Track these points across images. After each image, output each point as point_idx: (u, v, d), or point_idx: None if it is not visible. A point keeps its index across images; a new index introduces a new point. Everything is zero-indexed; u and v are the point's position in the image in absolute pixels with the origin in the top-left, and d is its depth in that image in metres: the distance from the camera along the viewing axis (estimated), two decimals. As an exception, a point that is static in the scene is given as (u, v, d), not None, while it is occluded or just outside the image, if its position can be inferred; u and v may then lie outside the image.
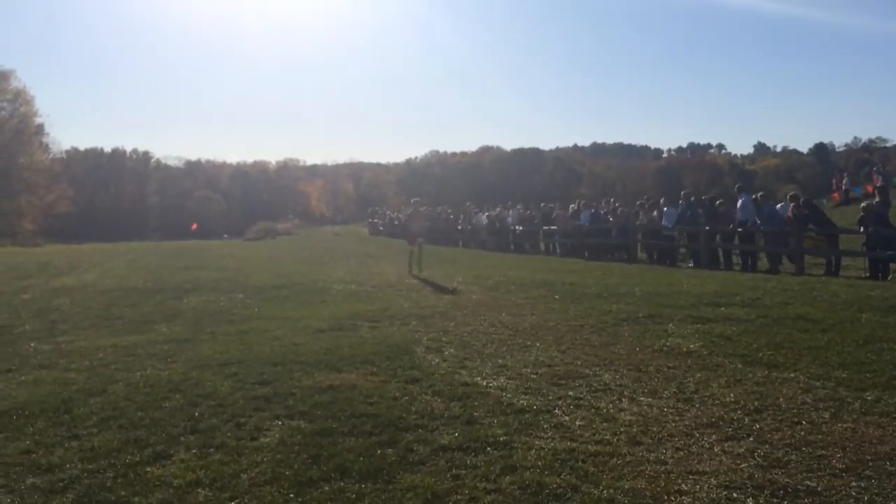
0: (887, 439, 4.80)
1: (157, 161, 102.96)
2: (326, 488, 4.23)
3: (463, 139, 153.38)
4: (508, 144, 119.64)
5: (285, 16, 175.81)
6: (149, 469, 4.60)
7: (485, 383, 6.51)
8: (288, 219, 69.13)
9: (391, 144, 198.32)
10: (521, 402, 5.89)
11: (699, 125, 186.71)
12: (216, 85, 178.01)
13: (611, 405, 5.79)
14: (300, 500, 4.10)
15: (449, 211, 35.40)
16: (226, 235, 60.51)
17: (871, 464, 4.38)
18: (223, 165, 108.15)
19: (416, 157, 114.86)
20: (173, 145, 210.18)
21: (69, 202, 60.40)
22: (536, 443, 4.89)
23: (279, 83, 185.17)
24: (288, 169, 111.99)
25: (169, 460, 4.75)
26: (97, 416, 5.75)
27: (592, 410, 5.66)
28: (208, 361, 7.58)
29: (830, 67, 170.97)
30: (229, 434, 5.23)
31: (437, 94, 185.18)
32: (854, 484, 4.10)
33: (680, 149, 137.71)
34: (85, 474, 4.54)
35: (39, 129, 57.52)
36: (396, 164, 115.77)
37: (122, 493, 4.25)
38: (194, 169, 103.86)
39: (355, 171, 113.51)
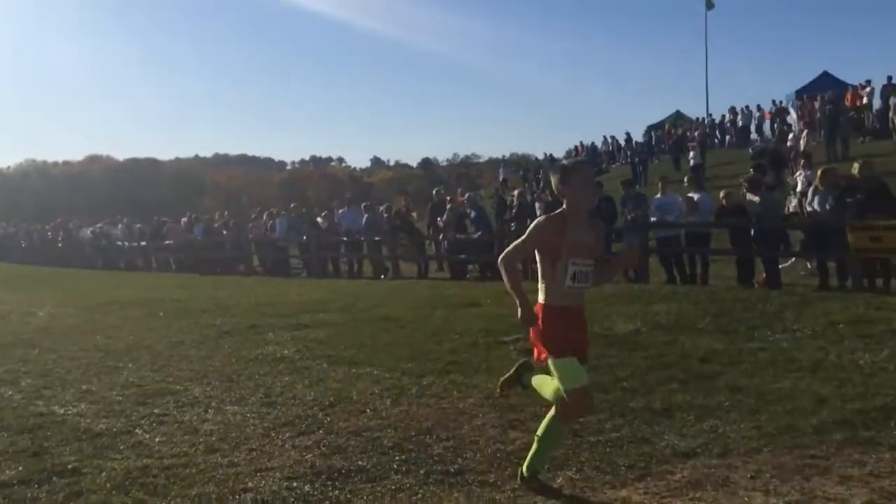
0: (431, 416, 5.66)
1: None
2: None
3: (67, 147, 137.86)
4: (121, 154, 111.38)
5: None
6: None
7: (62, 411, 6.16)
8: None
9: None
10: (100, 426, 5.70)
11: (321, 138, 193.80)
12: None
13: (195, 417, 5.89)
14: None
15: (47, 228, 31.86)
16: None
17: (414, 439, 5.14)
18: None
19: (8, 167, 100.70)
20: None
21: None
22: (109, 465, 4.80)
23: None
24: None
25: None
26: None
27: (175, 425, 5.71)
28: None
29: (435, 88, 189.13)
30: None
31: (32, 96, 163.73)
32: (398, 458, 4.78)
33: (303, 161, 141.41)
34: None
35: None
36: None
37: None
38: None
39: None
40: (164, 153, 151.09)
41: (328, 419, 5.68)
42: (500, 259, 4.17)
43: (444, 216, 16.61)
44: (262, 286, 16.34)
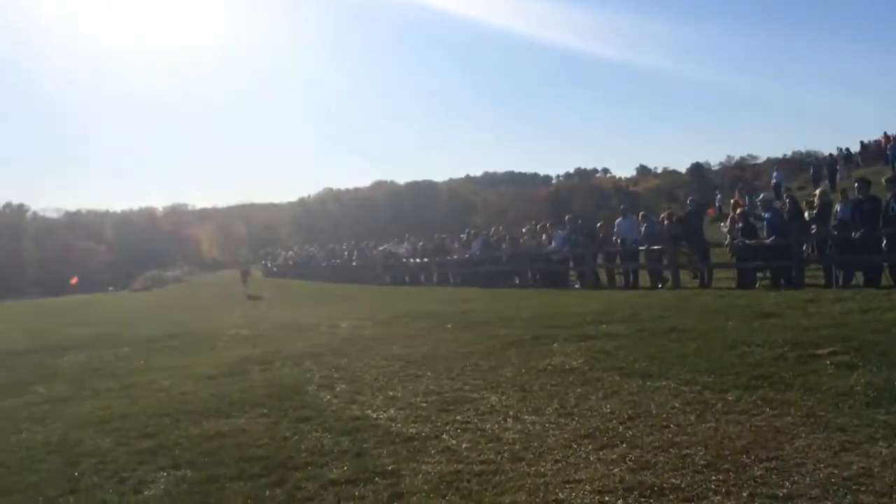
0: (745, 434, 5.20)
1: (34, 213, 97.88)
2: (212, 534, 4.22)
3: (357, 175, 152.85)
4: (402, 178, 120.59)
5: (162, 52, 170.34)
6: (24, 534, 4.45)
7: (375, 416, 6.61)
8: (177, 266, 66.94)
9: (283, 184, 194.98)
10: (411, 430, 6.02)
11: (585, 151, 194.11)
12: (92, 129, 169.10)
13: (496, 426, 6.00)
14: (185, 548, 4.07)
15: (343, 248, 35.32)
16: (111, 287, 57.81)
17: (729, 458, 4.74)
18: (106, 214, 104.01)
19: (309, 196, 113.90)
20: (52, 197, 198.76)
21: (-65, 262, 56.39)
22: (424, 468, 5.03)
23: (161, 125, 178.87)
24: (176, 214, 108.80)
25: (46, 523, 4.60)
26: (-33, 485, 5.48)
27: (478, 432, 5.85)
28: (89, 419, 7.34)
29: (702, 89, 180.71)
30: (111, 490, 5.11)
31: (328, 130, 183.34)
32: (714, 478, 4.43)
33: (568, 174, 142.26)
34: (-47, 546, 4.34)
35: None
36: (290, 204, 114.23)
37: (-5, 561, 4.10)
38: (74, 220, 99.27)
39: (247, 212, 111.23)
40: (439, 175, 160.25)
41: (630, 433, 5.47)
42: None
43: (728, 221, 15.56)
44: (538, 298, 16.53)
